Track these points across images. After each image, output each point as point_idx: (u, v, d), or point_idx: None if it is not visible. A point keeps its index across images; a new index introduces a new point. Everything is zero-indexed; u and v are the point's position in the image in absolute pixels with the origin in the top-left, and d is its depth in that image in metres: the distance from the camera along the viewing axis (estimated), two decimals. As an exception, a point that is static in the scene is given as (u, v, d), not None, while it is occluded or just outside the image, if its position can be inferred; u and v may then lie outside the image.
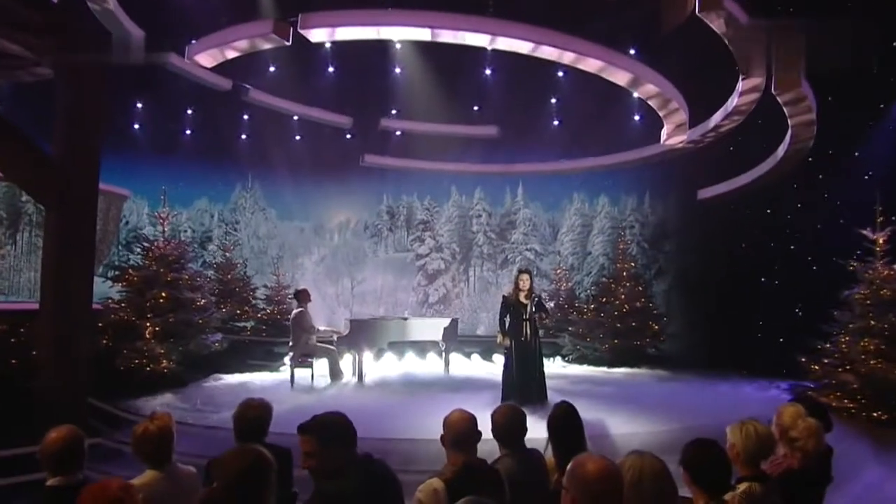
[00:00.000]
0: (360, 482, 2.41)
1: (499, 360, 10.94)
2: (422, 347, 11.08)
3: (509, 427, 3.13)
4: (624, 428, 6.09)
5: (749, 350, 10.22)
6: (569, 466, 2.01)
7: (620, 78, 8.45)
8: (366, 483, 2.42)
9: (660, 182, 13.84)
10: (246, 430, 3.06)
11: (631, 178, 14.07)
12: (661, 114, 9.11)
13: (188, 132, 14.29)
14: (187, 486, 2.92)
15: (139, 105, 13.42)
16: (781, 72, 7.23)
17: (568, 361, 11.82)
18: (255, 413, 3.15)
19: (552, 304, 8.18)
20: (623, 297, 11.69)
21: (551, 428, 3.24)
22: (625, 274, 12.09)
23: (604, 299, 11.96)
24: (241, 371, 9.92)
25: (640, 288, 12.06)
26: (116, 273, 9.46)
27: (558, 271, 14.12)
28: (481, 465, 2.83)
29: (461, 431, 2.80)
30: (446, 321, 9.90)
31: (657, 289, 13.43)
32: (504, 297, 7.71)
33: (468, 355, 11.59)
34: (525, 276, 7.56)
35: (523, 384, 7.18)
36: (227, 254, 13.12)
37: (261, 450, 2.16)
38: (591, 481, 1.92)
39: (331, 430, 2.46)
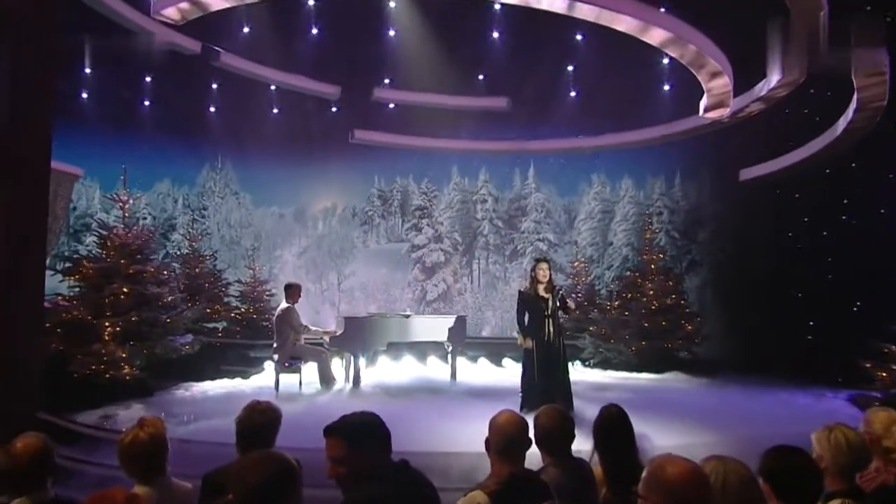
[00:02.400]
0: (393, 490, 2.38)
1: (508, 364, 10.99)
2: (421, 350, 11.04)
3: (557, 432, 3.14)
4: (668, 440, 6.01)
5: (797, 354, 10.21)
6: (645, 471, 2.01)
7: (654, 37, 8.35)
8: (399, 491, 2.39)
9: (693, 161, 13.85)
10: (252, 437, 3.02)
11: (659, 157, 14.08)
12: (700, 78, 9.03)
13: (147, 103, 14.15)
14: (182, 505, 2.86)
15: (87, 70, 13.22)
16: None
17: (589, 366, 11.81)
18: (262, 418, 3.12)
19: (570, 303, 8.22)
20: (651, 293, 11.70)
21: (599, 434, 3.24)
22: (652, 267, 12.10)
23: (629, 296, 11.98)
24: (214, 377, 9.85)
25: (671, 283, 12.05)
26: (68, 265, 9.31)
27: (576, 264, 14.08)
28: (530, 475, 2.82)
29: (511, 436, 2.79)
30: (452, 319, 9.82)
31: (690, 284, 13.46)
32: (520, 291, 7.66)
33: (474, 359, 11.58)
34: (544, 266, 7.50)
35: (546, 390, 7.10)
36: (195, 244, 12.99)
37: (287, 456, 2.09)
38: (674, 485, 1.92)
39: (362, 431, 2.42)
